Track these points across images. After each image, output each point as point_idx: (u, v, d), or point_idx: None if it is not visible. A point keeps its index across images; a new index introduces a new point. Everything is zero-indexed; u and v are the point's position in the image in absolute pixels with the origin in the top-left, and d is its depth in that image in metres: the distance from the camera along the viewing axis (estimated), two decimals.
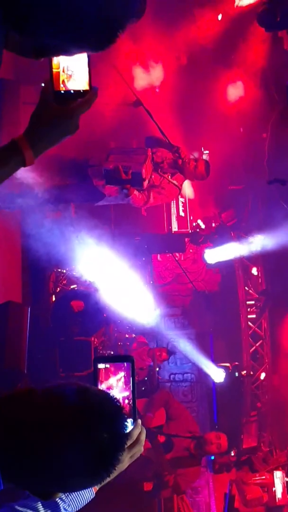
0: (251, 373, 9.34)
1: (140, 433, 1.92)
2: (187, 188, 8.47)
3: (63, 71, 1.72)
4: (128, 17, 1.50)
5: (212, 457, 7.57)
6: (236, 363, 9.11)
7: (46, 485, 1.62)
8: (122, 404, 1.85)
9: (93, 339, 7.68)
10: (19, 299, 7.06)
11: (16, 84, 7.09)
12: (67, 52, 1.58)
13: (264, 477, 8.39)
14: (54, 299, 8.22)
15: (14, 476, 1.57)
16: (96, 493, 2.04)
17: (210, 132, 8.50)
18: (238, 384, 9.11)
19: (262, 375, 9.37)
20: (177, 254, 9.05)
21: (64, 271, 8.16)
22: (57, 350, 7.42)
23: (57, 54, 1.66)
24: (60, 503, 1.90)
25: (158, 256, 9.23)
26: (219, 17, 8.55)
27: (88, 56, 1.73)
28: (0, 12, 1.44)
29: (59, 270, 8.19)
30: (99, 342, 8.05)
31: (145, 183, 6.77)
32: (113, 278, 7.62)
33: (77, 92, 1.74)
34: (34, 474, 1.57)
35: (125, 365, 1.89)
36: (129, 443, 1.88)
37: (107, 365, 1.88)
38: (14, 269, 7.25)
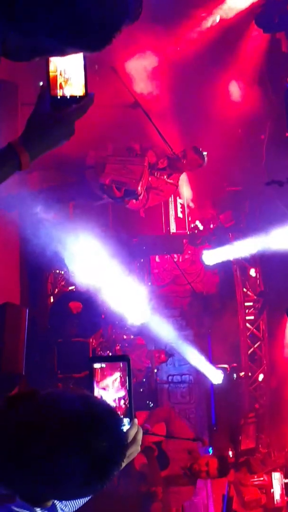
0: (249, 374, 9.35)
1: (136, 433, 1.91)
2: (185, 189, 8.48)
3: (60, 75, 1.73)
4: (124, 19, 1.51)
5: (210, 451, 7.55)
6: (234, 364, 9.11)
7: (37, 491, 1.61)
8: (118, 403, 1.86)
9: (91, 340, 7.68)
10: (17, 301, 7.05)
11: (14, 85, 7.09)
12: (62, 52, 1.59)
13: (262, 478, 8.38)
14: (52, 300, 8.21)
15: (5, 479, 1.57)
16: (89, 501, 2.04)
17: (208, 133, 8.50)
18: (236, 385, 9.11)
19: (260, 377, 9.37)
20: (175, 255, 9.04)
21: (62, 272, 8.15)
22: (55, 352, 7.41)
23: (52, 54, 1.66)
24: (57, 503, 1.89)
25: (156, 257, 9.22)
26: (217, 19, 8.56)
27: (85, 61, 1.74)
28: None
29: (57, 271, 8.19)
30: (97, 343, 8.04)
31: (140, 197, 6.80)
32: (111, 279, 7.62)
33: (73, 97, 1.75)
34: (27, 479, 1.57)
35: (121, 365, 1.88)
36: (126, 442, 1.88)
37: (103, 365, 1.87)
38: (12, 271, 7.24)
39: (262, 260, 9.11)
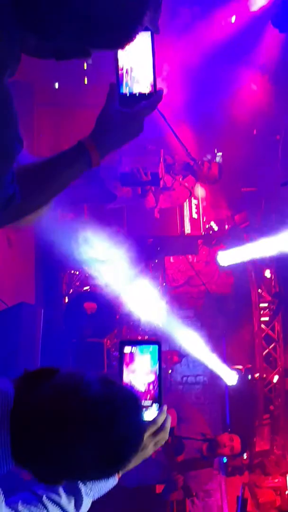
0: (264, 376, 9.30)
1: (165, 420, 1.88)
2: (200, 190, 8.46)
3: (127, 72, 1.74)
4: (144, 11, 1.49)
5: (225, 460, 7.54)
6: (249, 365, 9.07)
7: (54, 473, 1.60)
8: (147, 388, 1.84)
9: (105, 340, 7.68)
10: (32, 301, 7.08)
11: (29, 85, 7.11)
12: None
13: (277, 480, 8.35)
14: (67, 300, 8.23)
15: (24, 458, 1.55)
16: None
17: (224, 134, 8.48)
18: (250, 387, 9.07)
19: (275, 378, 9.32)
20: (190, 256, 9.03)
21: (77, 272, 8.16)
22: (70, 352, 7.43)
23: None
24: (81, 487, 1.87)
25: (171, 258, 9.21)
26: (233, 19, 8.54)
27: (153, 58, 1.75)
28: (17, 17, 1.45)
29: (72, 271, 8.20)
30: (111, 343, 8.05)
31: (161, 182, 6.80)
32: (125, 279, 7.62)
33: (142, 94, 1.76)
34: (44, 460, 1.55)
35: (151, 348, 1.86)
36: (153, 429, 1.85)
37: (133, 349, 1.86)
38: (28, 271, 7.27)
39: (277, 261, 9.05)
